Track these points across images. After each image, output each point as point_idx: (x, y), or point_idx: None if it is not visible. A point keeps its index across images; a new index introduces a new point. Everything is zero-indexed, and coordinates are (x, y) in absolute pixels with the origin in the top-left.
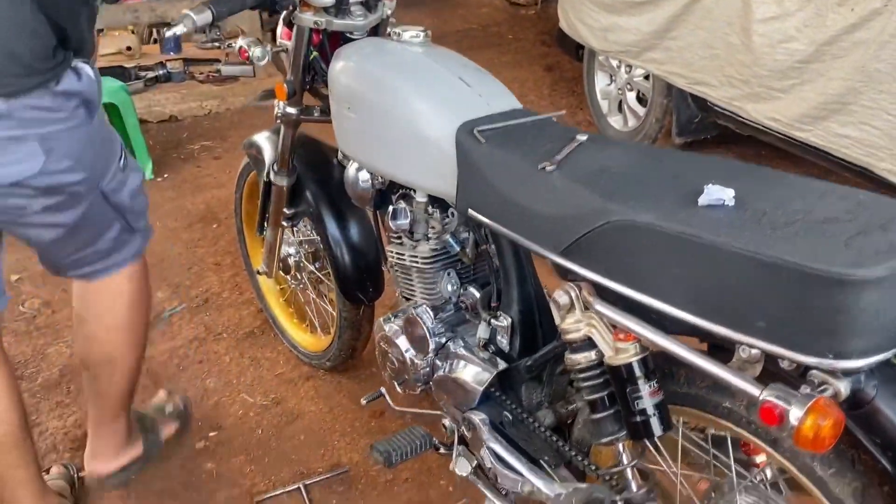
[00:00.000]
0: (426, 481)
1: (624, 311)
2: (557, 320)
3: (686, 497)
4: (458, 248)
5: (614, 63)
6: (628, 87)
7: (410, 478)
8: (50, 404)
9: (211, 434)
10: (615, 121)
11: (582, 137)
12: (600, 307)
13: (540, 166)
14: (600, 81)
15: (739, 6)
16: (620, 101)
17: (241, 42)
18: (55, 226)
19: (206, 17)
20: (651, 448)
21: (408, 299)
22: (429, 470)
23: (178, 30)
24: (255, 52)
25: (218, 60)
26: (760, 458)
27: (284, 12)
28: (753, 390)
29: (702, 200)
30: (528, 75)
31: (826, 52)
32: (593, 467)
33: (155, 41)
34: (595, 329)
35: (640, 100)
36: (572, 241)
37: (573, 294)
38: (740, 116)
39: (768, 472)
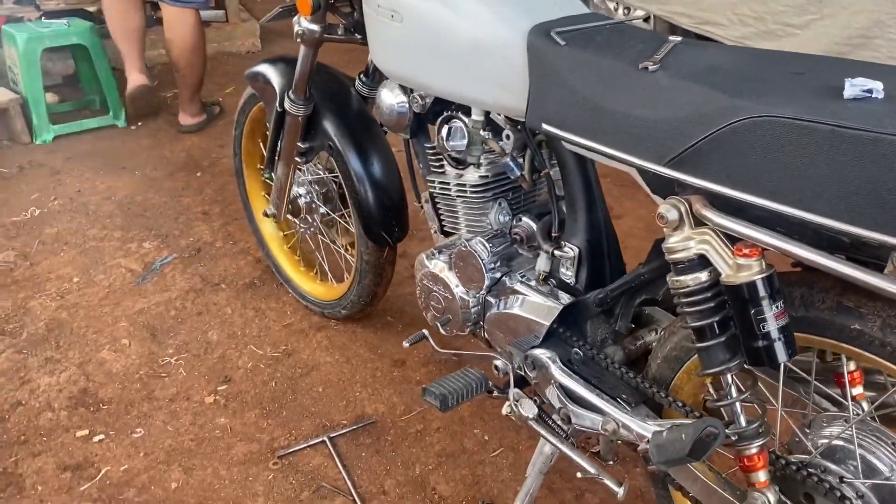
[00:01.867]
0: (459, 430)
1: (750, 223)
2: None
3: (784, 430)
4: (518, 173)
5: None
6: None
7: (442, 427)
8: (39, 360)
9: (220, 388)
10: None
11: (676, 38)
12: (721, 219)
13: (641, 65)
14: None
15: None
16: None
17: None
18: None
19: None
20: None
21: (448, 235)
22: (461, 419)
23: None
24: None
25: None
26: (858, 391)
27: None
28: None
29: (847, 93)
30: None
31: None
32: (681, 404)
33: None
34: (710, 245)
35: None
36: (686, 148)
37: (683, 208)
38: None
39: (865, 406)
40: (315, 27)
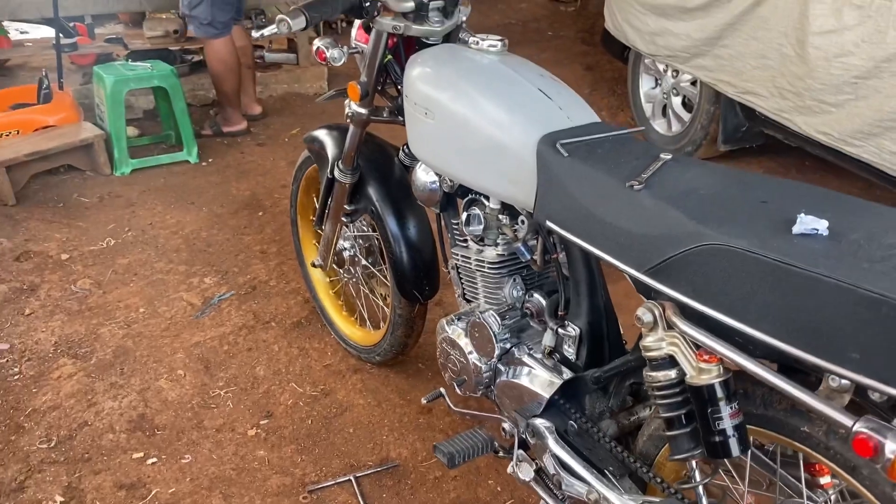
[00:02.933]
0: (475, 480)
1: (709, 333)
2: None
3: None
4: (528, 257)
5: (661, 67)
6: (674, 91)
7: (459, 476)
8: (104, 385)
9: (262, 422)
10: (659, 125)
11: (666, 156)
12: (686, 327)
13: (628, 184)
14: (645, 84)
15: (796, 18)
16: (665, 106)
17: (318, 43)
18: None
19: (300, 21)
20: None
21: (469, 301)
22: (477, 469)
23: (269, 31)
24: (333, 53)
25: (262, 47)
26: (826, 480)
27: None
28: (846, 421)
29: (796, 229)
30: (568, 74)
31: (885, 68)
32: (659, 480)
33: None
34: (678, 348)
35: (686, 105)
36: (660, 261)
37: (657, 312)
38: (789, 128)
39: (832, 495)
40: (363, 111)
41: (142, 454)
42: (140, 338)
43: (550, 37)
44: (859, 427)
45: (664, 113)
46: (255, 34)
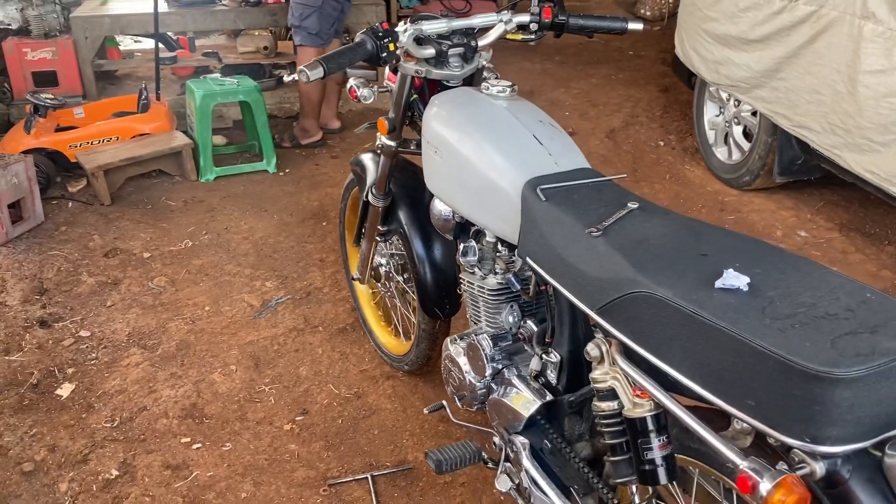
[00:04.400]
0: (481, 488)
1: (641, 371)
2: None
3: None
4: (518, 287)
5: (724, 95)
6: (735, 120)
7: (467, 483)
8: (165, 374)
9: (298, 418)
10: (720, 152)
11: (633, 205)
12: (623, 364)
13: (587, 230)
14: (709, 111)
15: (850, 55)
16: (727, 134)
17: (351, 82)
18: None
19: (318, 72)
20: (664, 491)
21: (475, 323)
22: (485, 478)
23: (289, 78)
24: (364, 92)
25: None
26: None
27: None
28: (736, 459)
29: (718, 283)
30: (643, 95)
31: None
32: (616, 501)
33: (290, 37)
34: (618, 382)
35: (746, 134)
36: (607, 302)
37: (604, 348)
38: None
39: None
40: (391, 143)
41: (189, 439)
42: (202, 333)
43: (631, 56)
44: (743, 466)
45: (726, 141)
46: (286, 78)
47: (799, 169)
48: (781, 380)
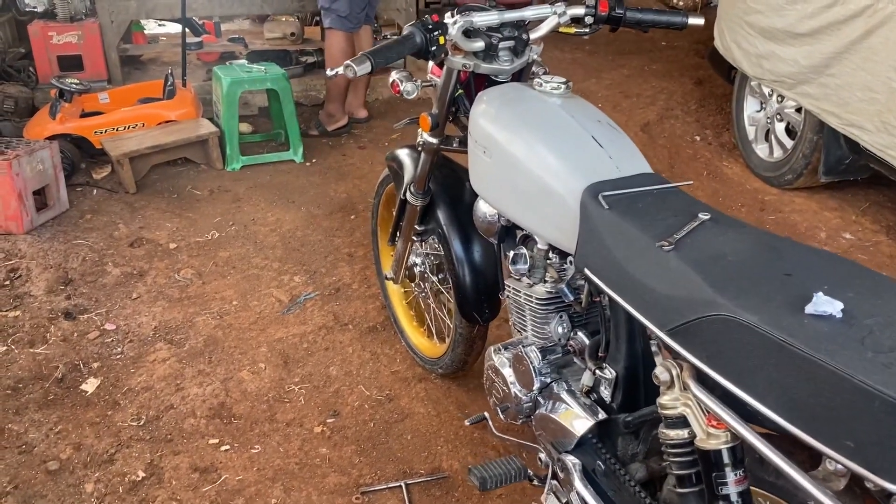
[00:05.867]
0: (519, 500)
1: (718, 400)
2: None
3: None
4: (571, 298)
5: (766, 91)
6: (778, 117)
7: (505, 494)
8: (193, 371)
9: (329, 420)
10: (761, 149)
11: (704, 216)
12: (697, 391)
13: (658, 244)
14: (749, 107)
15: None
16: (768, 130)
17: (393, 76)
18: None
19: (365, 67)
20: None
21: (519, 332)
22: (523, 490)
23: (331, 73)
24: (406, 86)
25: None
26: None
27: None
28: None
29: (808, 309)
30: (677, 87)
31: None
32: None
33: (316, 23)
34: (690, 410)
35: (789, 132)
36: (680, 324)
37: (674, 373)
38: (893, 165)
39: None
40: (433, 140)
41: (217, 440)
42: (230, 329)
43: (664, 47)
44: None
45: (767, 138)
46: (329, 73)
47: (846, 169)
48: (888, 421)
